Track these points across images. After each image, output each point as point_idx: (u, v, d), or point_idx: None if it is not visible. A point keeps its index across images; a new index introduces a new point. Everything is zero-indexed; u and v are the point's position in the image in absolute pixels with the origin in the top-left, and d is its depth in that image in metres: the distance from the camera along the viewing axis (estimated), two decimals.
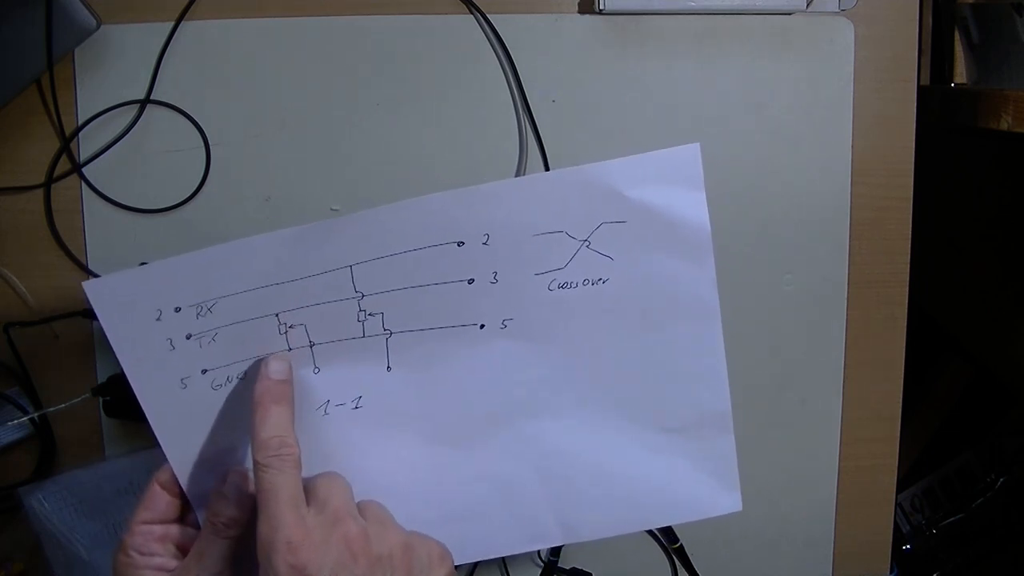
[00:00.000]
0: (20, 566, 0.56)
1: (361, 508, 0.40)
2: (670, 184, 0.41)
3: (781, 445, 0.60)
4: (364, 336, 0.42)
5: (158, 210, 0.56)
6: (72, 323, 0.56)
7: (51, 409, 0.54)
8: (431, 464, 0.43)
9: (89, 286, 0.39)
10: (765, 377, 0.60)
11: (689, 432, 0.44)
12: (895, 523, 0.66)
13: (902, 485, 0.83)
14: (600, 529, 0.45)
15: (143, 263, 0.55)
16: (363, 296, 0.41)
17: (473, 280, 0.41)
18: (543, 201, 0.41)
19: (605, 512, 0.44)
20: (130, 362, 0.40)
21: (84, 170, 0.55)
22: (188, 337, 0.40)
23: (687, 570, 0.60)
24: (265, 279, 0.40)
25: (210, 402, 0.41)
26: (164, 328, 0.40)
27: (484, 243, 0.41)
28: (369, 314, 0.41)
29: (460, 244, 0.41)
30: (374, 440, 0.43)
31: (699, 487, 0.45)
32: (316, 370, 0.42)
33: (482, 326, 0.42)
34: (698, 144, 0.41)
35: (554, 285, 0.42)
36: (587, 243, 0.41)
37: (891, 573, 0.63)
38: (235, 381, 0.41)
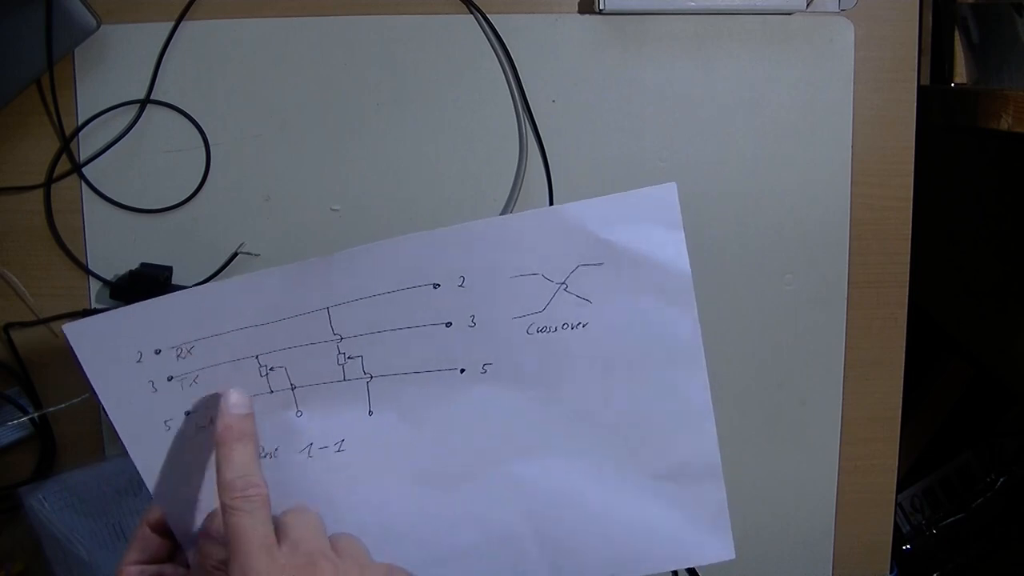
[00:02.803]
0: (20, 566, 0.56)
1: (334, 543, 0.39)
2: (647, 224, 0.40)
3: (781, 445, 0.60)
4: (345, 379, 0.41)
5: (158, 210, 0.56)
6: None
7: (51, 409, 0.54)
8: (416, 507, 0.43)
9: (69, 329, 0.39)
10: (765, 377, 0.60)
11: (676, 479, 0.43)
12: (895, 523, 0.66)
13: (902, 485, 0.83)
14: (589, 573, 0.44)
15: (144, 263, 0.55)
16: (342, 339, 0.40)
17: (451, 323, 0.41)
18: (518, 242, 0.40)
19: (594, 556, 0.44)
20: (113, 405, 0.40)
21: (84, 170, 0.55)
22: (170, 379, 0.40)
23: (687, 570, 0.60)
24: (244, 321, 0.40)
25: (194, 443, 0.41)
26: (145, 370, 0.39)
27: (460, 285, 0.40)
28: (349, 357, 0.41)
29: (436, 286, 0.40)
30: (359, 483, 0.42)
31: (690, 536, 0.44)
32: (299, 413, 0.42)
33: (462, 370, 0.42)
34: (674, 183, 0.40)
35: (533, 329, 0.41)
36: (564, 286, 0.41)
37: (891, 573, 0.63)
38: None
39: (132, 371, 0.39)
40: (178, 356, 0.40)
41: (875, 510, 0.62)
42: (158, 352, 0.39)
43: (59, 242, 0.56)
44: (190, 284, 0.56)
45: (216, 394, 0.40)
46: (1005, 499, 0.81)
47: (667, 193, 0.40)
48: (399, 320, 0.41)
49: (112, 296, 0.55)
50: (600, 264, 0.41)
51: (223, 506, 0.37)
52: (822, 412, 0.61)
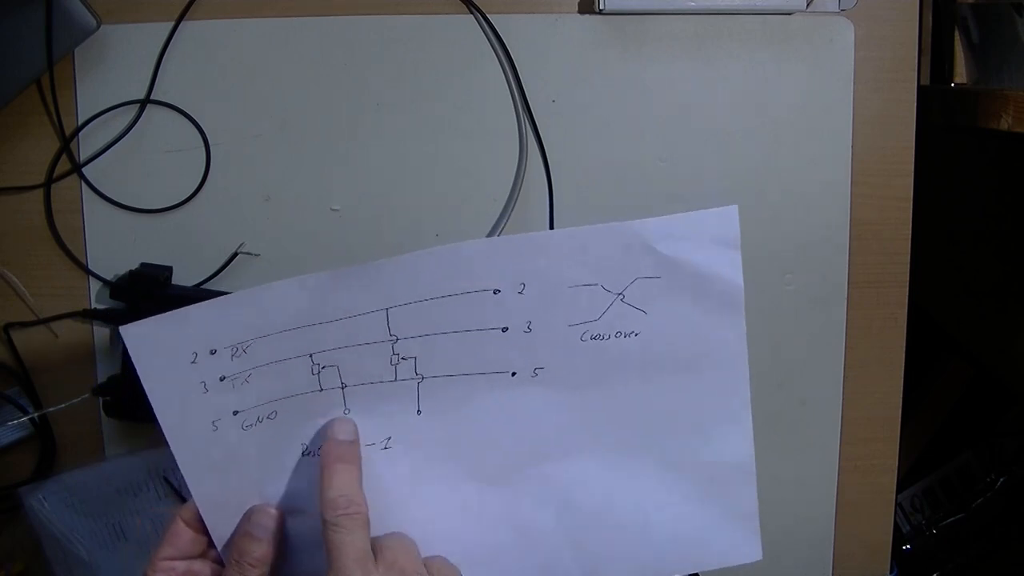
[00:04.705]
0: (20, 566, 0.56)
1: (428, 566, 0.41)
2: (707, 243, 0.42)
3: (781, 445, 0.60)
4: (396, 380, 0.42)
5: (158, 210, 0.56)
6: (72, 323, 0.56)
7: (51, 409, 0.54)
8: (457, 507, 0.44)
9: (127, 331, 0.38)
10: (765, 377, 0.60)
11: (713, 482, 0.45)
12: (895, 523, 0.66)
13: (902, 485, 0.83)
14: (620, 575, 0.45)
15: (144, 263, 0.55)
16: (397, 340, 0.41)
17: (507, 328, 0.42)
18: (580, 254, 0.41)
19: (627, 559, 0.45)
20: (162, 406, 0.40)
21: (84, 170, 0.55)
22: (222, 379, 0.40)
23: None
24: (301, 320, 0.40)
25: (239, 443, 0.41)
26: (199, 371, 0.40)
27: (520, 292, 0.41)
28: (402, 358, 0.42)
29: (496, 292, 0.41)
30: (402, 481, 0.43)
31: (721, 536, 0.45)
32: (347, 411, 0.42)
33: (513, 374, 0.43)
34: (736, 206, 0.42)
35: (587, 336, 0.42)
36: (621, 297, 0.42)
37: (891, 573, 0.63)
38: (264, 421, 0.41)
39: (185, 372, 0.40)
40: (233, 356, 0.40)
41: (875, 510, 0.62)
42: (213, 352, 0.40)
43: (59, 242, 0.56)
44: (190, 284, 0.56)
45: (265, 392, 0.41)
46: (1005, 499, 0.81)
47: (729, 215, 0.42)
48: (457, 323, 0.41)
49: (112, 296, 0.55)
50: (657, 278, 0.42)
51: (324, 523, 0.38)
52: (822, 412, 0.61)
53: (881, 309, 0.60)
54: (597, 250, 0.41)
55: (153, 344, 0.39)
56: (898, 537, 0.82)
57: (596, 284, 0.42)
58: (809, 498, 0.61)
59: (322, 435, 0.41)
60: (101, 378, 0.56)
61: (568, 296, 0.42)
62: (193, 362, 0.39)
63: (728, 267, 0.42)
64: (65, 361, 0.56)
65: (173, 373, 0.39)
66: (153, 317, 0.39)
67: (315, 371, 0.41)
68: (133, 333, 0.39)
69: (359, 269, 0.40)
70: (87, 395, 0.53)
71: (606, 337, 0.42)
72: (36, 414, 0.56)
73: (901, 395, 0.61)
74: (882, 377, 0.61)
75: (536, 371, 0.43)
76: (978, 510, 0.82)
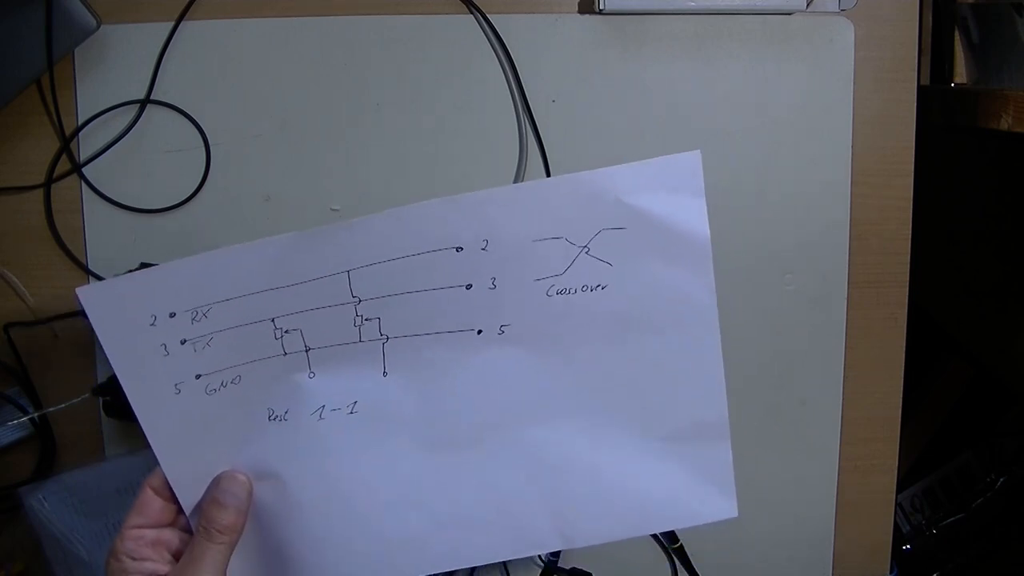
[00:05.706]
0: (20, 566, 0.56)
1: None
2: (670, 191, 0.41)
3: (781, 445, 0.60)
4: (360, 341, 0.42)
5: (158, 210, 0.56)
6: (72, 323, 0.56)
7: (51, 409, 0.54)
8: (427, 470, 0.43)
9: (83, 292, 0.38)
10: (765, 377, 0.60)
11: (686, 439, 0.44)
12: (895, 523, 0.66)
13: (902, 485, 0.83)
14: (596, 535, 0.44)
15: (143, 263, 0.55)
16: (360, 301, 0.41)
17: (471, 286, 0.41)
18: (543, 207, 0.41)
19: (601, 518, 0.44)
20: (123, 368, 0.40)
21: (84, 170, 0.55)
22: (183, 342, 0.40)
23: (687, 570, 0.60)
24: (261, 284, 0.40)
25: (203, 407, 0.41)
26: (158, 334, 0.40)
27: (483, 249, 0.41)
28: (366, 319, 0.41)
29: (458, 250, 0.40)
30: (370, 445, 0.42)
31: (695, 494, 0.45)
32: (311, 375, 0.42)
33: (479, 332, 0.42)
34: (699, 151, 0.41)
35: (552, 291, 0.42)
36: (586, 249, 0.41)
37: (891, 573, 0.63)
38: (229, 386, 0.41)
39: (145, 334, 0.39)
40: (193, 319, 0.40)
41: (875, 510, 0.62)
42: (172, 315, 0.39)
43: (59, 242, 0.56)
44: None
45: (229, 356, 0.40)
46: (1005, 499, 0.81)
47: (691, 160, 0.41)
48: (419, 283, 0.41)
49: None
50: (623, 228, 0.41)
51: None
52: (822, 412, 0.61)
53: (881, 309, 0.60)
54: (560, 202, 0.41)
55: (110, 306, 0.39)
56: (898, 537, 0.82)
57: (560, 237, 0.41)
58: (809, 498, 0.61)
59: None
60: (101, 378, 0.56)
61: (532, 251, 0.41)
62: (152, 324, 0.39)
63: (693, 216, 0.41)
64: (65, 361, 0.56)
65: (132, 335, 0.39)
66: (109, 279, 0.39)
67: (278, 335, 0.41)
68: (90, 295, 0.39)
69: (318, 232, 0.39)
70: (87, 395, 0.53)
71: (572, 291, 0.42)
72: (36, 414, 0.56)
73: (901, 395, 0.61)
74: (882, 377, 0.61)
75: (502, 328, 0.42)
76: (978, 510, 0.82)
